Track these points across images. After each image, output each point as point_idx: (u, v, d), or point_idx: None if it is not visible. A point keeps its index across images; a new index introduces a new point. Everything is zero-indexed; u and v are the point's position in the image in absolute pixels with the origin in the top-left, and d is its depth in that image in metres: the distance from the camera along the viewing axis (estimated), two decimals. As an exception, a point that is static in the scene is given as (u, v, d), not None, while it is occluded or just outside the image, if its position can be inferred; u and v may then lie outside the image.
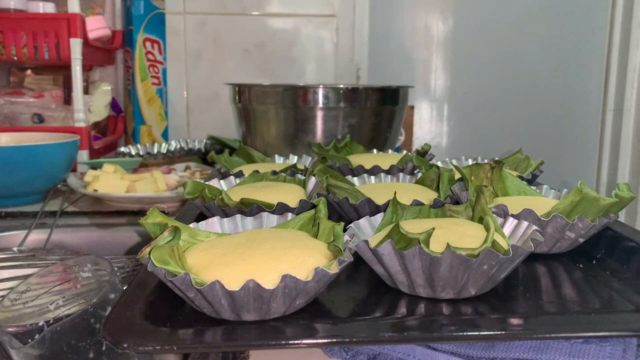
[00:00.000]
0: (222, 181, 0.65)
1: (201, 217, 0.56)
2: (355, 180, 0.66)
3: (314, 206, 0.52)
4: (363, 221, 0.48)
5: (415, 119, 1.54)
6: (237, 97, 1.11)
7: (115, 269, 0.47)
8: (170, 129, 1.41)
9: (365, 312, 0.41)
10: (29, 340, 0.40)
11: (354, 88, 1.03)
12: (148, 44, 1.34)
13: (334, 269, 0.38)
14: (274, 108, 1.06)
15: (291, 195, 0.58)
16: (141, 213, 0.83)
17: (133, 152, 1.20)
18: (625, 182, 0.52)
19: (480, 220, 0.47)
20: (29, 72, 1.26)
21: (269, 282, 0.36)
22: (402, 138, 1.27)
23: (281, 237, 0.42)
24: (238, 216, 0.48)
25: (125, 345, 0.33)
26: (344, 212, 0.59)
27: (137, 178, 0.92)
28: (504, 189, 0.60)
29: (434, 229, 0.40)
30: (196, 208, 0.60)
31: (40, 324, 0.43)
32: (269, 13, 1.45)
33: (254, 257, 0.38)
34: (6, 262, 0.61)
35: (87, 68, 1.30)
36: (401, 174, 0.68)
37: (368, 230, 0.48)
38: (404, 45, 1.46)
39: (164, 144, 1.25)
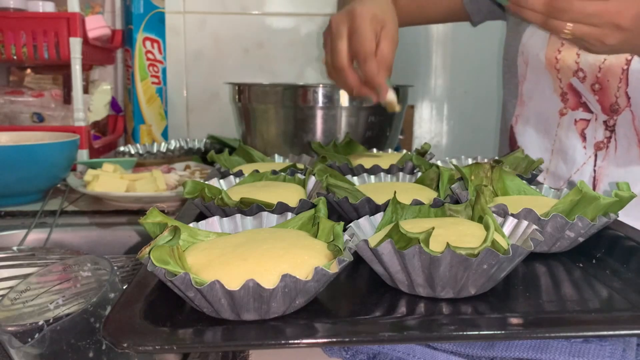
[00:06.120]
0: (221, 180, 0.65)
1: (201, 216, 0.56)
2: (355, 179, 0.66)
3: (313, 206, 0.52)
4: (363, 221, 0.48)
5: (415, 118, 1.54)
6: (236, 97, 1.11)
7: (115, 268, 0.46)
8: (170, 128, 1.41)
9: (365, 312, 0.41)
10: (29, 340, 0.40)
11: (354, 87, 1.03)
12: (148, 43, 1.34)
13: (334, 268, 0.38)
14: (274, 107, 1.06)
15: (291, 194, 0.58)
16: (141, 212, 0.83)
17: (132, 152, 1.20)
18: (625, 181, 0.52)
19: (480, 220, 0.47)
20: (28, 71, 1.25)
21: (269, 281, 0.36)
22: (402, 137, 1.27)
23: (281, 236, 0.42)
24: (238, 216, 0.48)
25: (125, 344, 0.33)
26: (344, 212, 0.59)
27: (137, 177, 0.92)
28: (504, 188, 0.60)
29: (433, 228, 0.40)
30: (196, 207, 0.60)
31: (40, 323, 0.43)
32: (269, 12, 1.45)
33: (253, 256, 0.38)
34: (6, 261, 0.61)
35: (86, 67, 1.30)
36: (401, 174, 0.68)
37: (368, 230, 0.48)
38: (404, 44, 1.45)
39: (163, 143, 1.25)
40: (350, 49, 0.72)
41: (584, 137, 0.81)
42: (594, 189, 0.82)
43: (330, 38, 0.75)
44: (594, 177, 0.82)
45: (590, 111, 0.81)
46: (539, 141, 0.88)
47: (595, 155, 0.81)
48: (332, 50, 0.74)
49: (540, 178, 0.87)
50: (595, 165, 0.81)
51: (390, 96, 0.74)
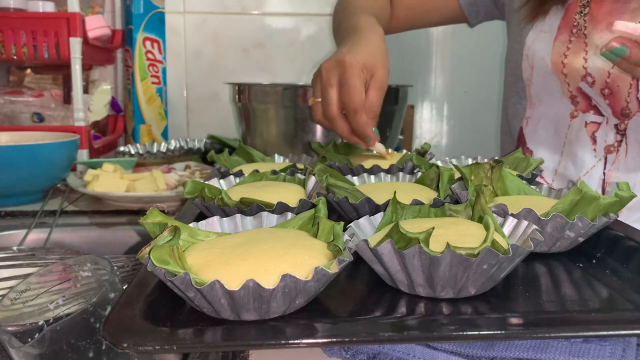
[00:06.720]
0: (221, 180, 0.65)
1: (201, 216, 0.56)
2: (355, 179, 0.66)
3: (313, 206, 0.52)
4: (363, 221, 0.48)
5: (415, 118, 1.54)
6: (237, 97, 1.11)
7: (115, 268, 0.47)
8: (170, 128, 1.41)
9: (365, 312, 0.41)
10: (29, 340, 0.40)
11: (354, 87, 1.03)
12: (148, 43, 1.34)
13: (334, 268, 0.38)
14: (274, 107, 1.06)
15: (291, 194, 0.58)
16: (141, 212, 0.83)
17: (133, 152, 1.20)
18: (625, 181, 0.52)
19: (480, 220, 0.47)
20: (28, 71, 1.26)
21: (269, 281, 0.36)
22: (402, 137, 1.27)
23: (281, 236, 0.42)
24: (238, 216, 0.48)
25: (125, 345, 0.33)
26: (344, 212, 0.59)
27: (137, 177, 0.92)
28: (504, 188, 0.60)
29: (433, 228, 0.40)
30: (196, 207, 0.60)
31: (40, 323, 0.43)
32: (269, 12, 1.45)
33: (253, 256, 0.38)
34: (6, 261, 0.61)
35: (86, 67, 1.30)
36: (401, 174, 0.68)
37: (368, 230, 0.48)
38: (404, 44, 1.46)
39: (163, 143, 1.25)
40: (340, 99, 0.73)
41: (594, 140, 0.81)
42: (603, 192, 0.81)
43: (321, 85, 0.75)
44: (603, 180, 0.82)
45: (601, 114, 0.80)
46: (549, 143, 0.88)
47: (605, 159, 0.81)
48: (323, 99, 0.75)
49: (548, 179, 0.87)
50: (604, 169, 0.81)
51: (379, 146, 0.76)
